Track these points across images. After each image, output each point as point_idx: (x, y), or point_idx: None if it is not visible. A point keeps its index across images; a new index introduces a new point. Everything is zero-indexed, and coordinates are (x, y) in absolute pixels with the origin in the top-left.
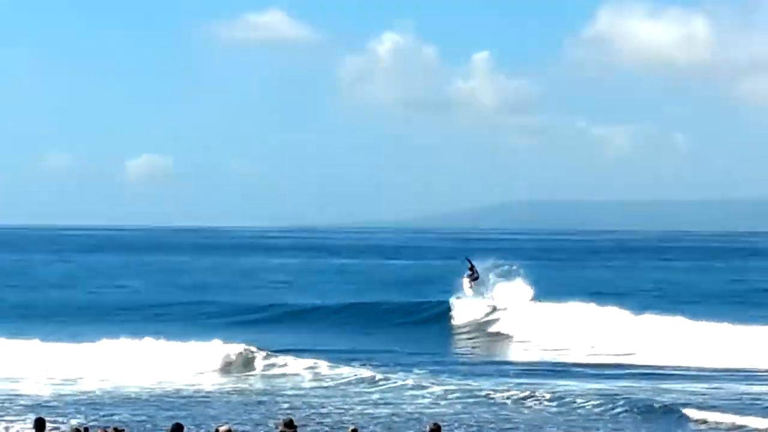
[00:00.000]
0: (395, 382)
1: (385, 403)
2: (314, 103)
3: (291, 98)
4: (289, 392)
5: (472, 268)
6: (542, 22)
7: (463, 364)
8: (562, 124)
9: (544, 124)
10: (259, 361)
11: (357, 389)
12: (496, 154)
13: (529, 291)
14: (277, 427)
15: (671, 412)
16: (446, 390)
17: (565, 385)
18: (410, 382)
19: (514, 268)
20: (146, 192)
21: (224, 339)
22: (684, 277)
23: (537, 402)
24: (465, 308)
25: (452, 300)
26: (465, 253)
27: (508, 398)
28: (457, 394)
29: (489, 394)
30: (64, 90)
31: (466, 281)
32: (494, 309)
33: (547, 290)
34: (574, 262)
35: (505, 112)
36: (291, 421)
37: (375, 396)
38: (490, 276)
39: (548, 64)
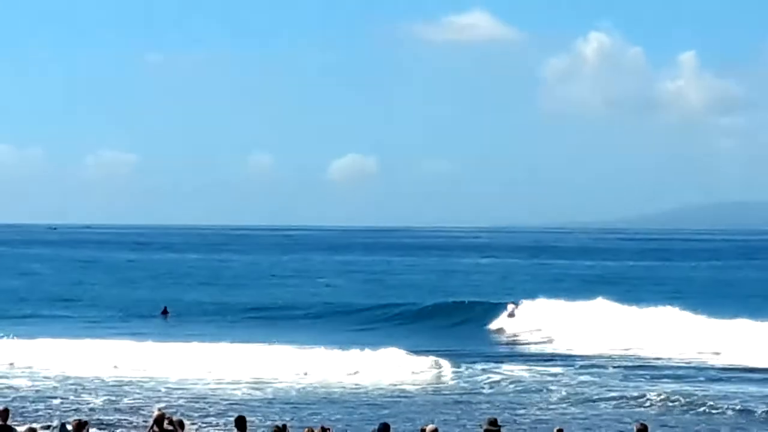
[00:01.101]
0: (583, 381)
1: (582, 402)
2: (518, 103)
3: (494, 98)
4: (486, 391)
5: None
6: (748, 21)
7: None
8: (766, 125)
9: (748, 125)
10: (448, 365)
11: (553, 387)
12: (701, 155)
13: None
14: (481, 427)
15: None
16: (637, 391)
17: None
18: (597, 380)
19: None
20: (350, 191)
21: (415, 340)
22: None
23: (716, 409)
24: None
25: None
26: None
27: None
28: (652, 396)
29: (685, 397)
30: (266, 91)
31: (506, 317)
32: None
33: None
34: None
35: (710, 113)
36: (495, 420)
37: (569, 395)
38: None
39: (754, 64)
